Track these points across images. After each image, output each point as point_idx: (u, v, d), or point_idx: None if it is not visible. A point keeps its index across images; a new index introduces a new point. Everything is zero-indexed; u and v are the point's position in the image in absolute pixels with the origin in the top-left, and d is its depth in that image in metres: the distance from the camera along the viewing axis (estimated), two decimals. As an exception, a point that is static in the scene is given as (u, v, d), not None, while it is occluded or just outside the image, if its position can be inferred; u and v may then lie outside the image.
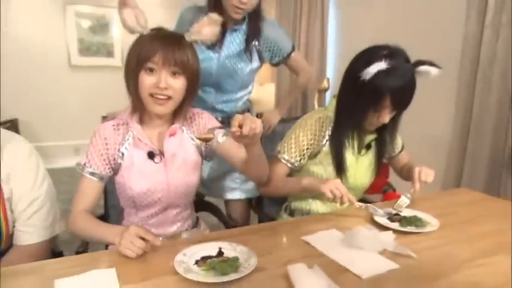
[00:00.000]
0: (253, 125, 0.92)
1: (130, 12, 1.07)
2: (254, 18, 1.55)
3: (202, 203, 1.62)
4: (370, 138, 1.36)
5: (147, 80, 1.05)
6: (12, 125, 1.34)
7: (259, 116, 1.83)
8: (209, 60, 1.55)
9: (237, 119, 0.93)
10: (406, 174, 1.44)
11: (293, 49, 1.70)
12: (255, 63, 1.63)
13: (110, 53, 4.21)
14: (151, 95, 1.07)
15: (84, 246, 1.23)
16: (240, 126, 0.93)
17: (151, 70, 1.05)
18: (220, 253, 0.96)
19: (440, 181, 2.43)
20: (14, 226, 1.08)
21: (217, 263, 0.89)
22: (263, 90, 4.51)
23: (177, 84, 1.07)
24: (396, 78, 1.14)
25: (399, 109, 1.24)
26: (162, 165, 1.15)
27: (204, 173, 1.65)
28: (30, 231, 1.08)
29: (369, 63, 1.14)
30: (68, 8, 4.15)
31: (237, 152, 1.19)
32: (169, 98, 1.08)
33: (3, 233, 1.06)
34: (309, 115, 1.38)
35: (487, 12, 2.12)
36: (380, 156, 1.40)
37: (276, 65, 1.74)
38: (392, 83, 1.14)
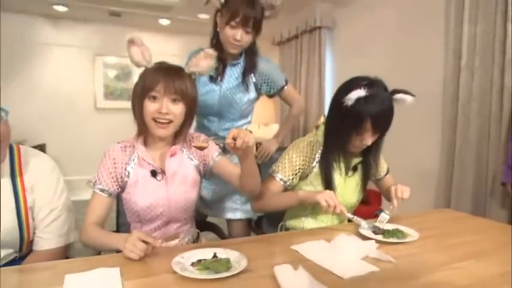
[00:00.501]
0: (246, 139, 0.97)
1: (138, 49, 1.14)
2: (250, 54, 1.63)
3: (205, 223, 1.63)
4: (356, 160, 1.39)
5: (150, 107, 1.11)
6: (41, 149, 1.41)
7: (258, 145, 1.87)
8: (212, 92, 1.62)
9: (232, 132, 0.98)
10: (387, 194, 1.45)
11: (286, 83, 1.75)
12: (252, 94, 1.68)
13: (131, 97, 4.39)
14: (154, 120, 1.12)
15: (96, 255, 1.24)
16: (234, 139, 0.97)
17: (154, 98, 1.10)
18: (214, 257, 0.97)
19: (431, 208, 2.42)
20: (34, 233, 1.11)
21: (210, 262, 0.91)
22: (268, 130, 4.59)
23: (177, 110, 1.12)
24: (375, 104, 1.19)
25: (380, 132, 1.27)
26: (164, 182, 1.19)
27: (208, 195, 1.67)
28: (47, 238, 1.11)
29: (350, 91, 1.19)
30: (97, 58, 4.41)
31: (232, 168, 1.24)
32: (170, 122, 1.13)
33: (25, 239, 1.09)
34: (301, 139, 1.42)
35: (461, 56, 2.21)
36: (365, 178, 1.42)
37: (271, 96, 1.78)
38: (371, 108, 1.18)
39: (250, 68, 1.64)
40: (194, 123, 1.46)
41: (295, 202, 1.31)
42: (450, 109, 2.32)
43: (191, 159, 1.26)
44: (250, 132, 1.56)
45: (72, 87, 4.38)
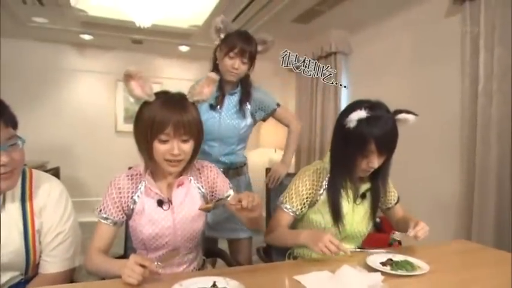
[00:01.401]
0: (251, 198, 0.99)
1: (136, 83, 1.09)
2: (245, 85, 1.82)
3: (213, 250, 1.63)
4: (364, 187, 1.37)
5: (161, 148, 1.09)
6: (55, 172, 1.46)
7: (268, 170, 1.89)
8: (213, 119, 1.77)
9: (236, 197, 1.01)
10: (403, 226, 1.40)
11: (278, 105, 1.90)
12: (249, 120, 1.84)
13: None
14: (165, 160, 1.11)
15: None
16: (240, 201, 0.99)
17: (165, 141, 1.08)
18: (213, 285, 0.95)
19: (451, 239, 2.30)
20: (40, 256, 1.13)
21: (208, 291, 0.89)
22: (281, 155, 4.58)
23: (187, 148, 1.12)
24: (377, 125, 1.18)
25: (385, 154, 1.24)
26: (170, 212, 1.19)
27: (209, 217, 1.66)
28: (52, 261, 1.12)
29: (351, 113, 1.20)
30: (119, 84, 4.58)
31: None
32: (181, 160, 1.13)
33: (31, 262, 1.11)
34: (307, 167, 1.41)
35: (478, 81, 2.16)
36: (375, 205, 1.39)
37: (264, 119, 1.93)
38: (374, 129, 1.18)
39: (246, 96, 1.81)
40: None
41: (298, 245, 1.27)
42: (468, 135, 2.25)
43: (199, 188, 1.26)
44: (268, 170, 1.64)
45: (95, 111, 4.56)
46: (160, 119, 1.06)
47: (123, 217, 1.20)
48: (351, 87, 3.60)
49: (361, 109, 1.18)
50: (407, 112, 1.25)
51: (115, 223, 1.18)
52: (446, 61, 2.49)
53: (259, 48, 1.78)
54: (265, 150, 4.65)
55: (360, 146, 1.21)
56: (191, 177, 1.26)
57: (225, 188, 1.30)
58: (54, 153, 4.16)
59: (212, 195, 1.29)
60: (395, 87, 2.92)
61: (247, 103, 1.81)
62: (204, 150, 1.76)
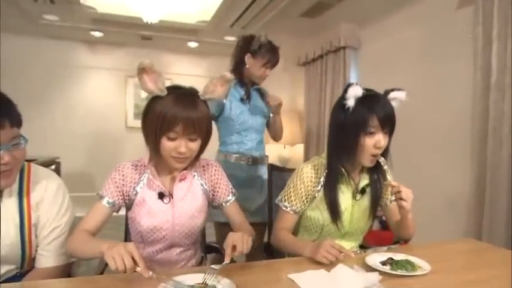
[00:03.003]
0: (245, 250, 0.98)
1: (149, 77, 1.09)
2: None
3: (212, 246, 1.63)
4: (363, 182, 1.33)
5: (168, 145, 1.08)
6: (56, 167, 1.48)
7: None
8: (245, 112, 1.98)
9: (229, 245, 0.98)
10: (396, 227, 1.36)
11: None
12: (268, 110, 2.09)
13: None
14: (172, 156, 1.11)
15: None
16: (234, 248, 0.97)
17: (173, 138, 1.08)
18: (203, 283, 0.93)
19: (461, 237, 2.24)
20: (36, 250, 1.13)
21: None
22: (293, 150, 4.57)
23: (194, 147, 1.12)
24: (376, 100, 1.21)
25: (387, 130, 1.22)
26: (170, 205, 1.18)
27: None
28: (48, 256, 1.12)
29: (345, 93, 1.21)
30: (129, 80, 4.61)
31: (235, 218, 1.28)
32: (187, 157, 1.13)
33: (27, 255, 1.11)
34: (305, 163, 1.38)
35: (491, 74, 2.08)
36: (375, 201, 1.34)
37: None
38: (374, 104, 1.19)
39: (263, 91, 2.07)
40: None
41: (303, 255, 1.19)
42: (480, 130, 2.17)
43: (202, 184, 1.26)
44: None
45: (105, 108, 4.60)
46: (170, 116, 1.05)
47: (121, 202, 1.18)
48: (360, 82, 3.51)
49: (355, 86, 1.20)
50: (398, 90, 1.26)
51: (112, 205, 1.16)
52: (458, 55, 2.41)
53: None
54: (275, 146, 4.62)
55: (362, 124, 1.19)
56: (195, 173, 1.25)
57: (227, 192, 1.29)
58: (64, 149, 4.23)
59: (213, 195, 1.28)
60: (405, 82, 2.80)
61: (263, 97, 2.06)
62: (238, 140, 1.98)
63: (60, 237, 1.14)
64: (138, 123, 4.95)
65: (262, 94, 2.06)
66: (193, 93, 1.14)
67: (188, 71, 4.78)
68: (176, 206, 1.18)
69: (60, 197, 1.16)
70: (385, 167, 1.24)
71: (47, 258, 1.12)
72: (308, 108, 4.14)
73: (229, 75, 1.19)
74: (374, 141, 1.20)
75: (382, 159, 1.24)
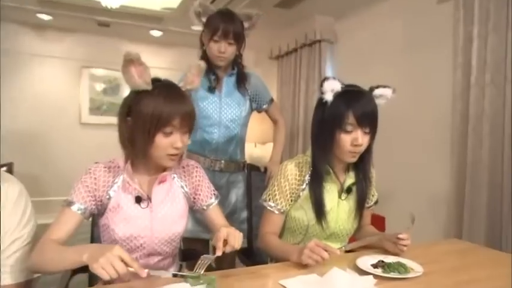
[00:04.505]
0: (236, 245, 1.01)
1: (136, 70, 1.06)
2: (239, 65, 1.90)
3: (192, 252, 1.58)
4: (349, 181, 1.37)
5: (164, 142, 1.08)
6: (8, 169, 1.40)
7: (265, 170, 1.99)
8: (214, 103, 1.81)
9: (221, 238, 1.00)
10: (364, 235, 1.41)
11: (272, 100, 2.03)
12: (248, 103, 1.92)
13: (120, 119, 4.39)
14: (167, 154, 1.10)
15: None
16: (225, 241, 1.00)
17: (169, 134, 1.08)
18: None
19: (441, 237, 2.38)
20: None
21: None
22: (265, 149, 4.57)
23: (187, 140, 1.12)
24: (354, 95, 1.23)
25: (367, 128, 1.24)
26: (148, 210, 1.15)
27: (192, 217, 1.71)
28: (7, 272, 1.04)
29: (321, 87, 1.24)
30: (84, 70, 4.42)
31: (218, 222, 1.25)
32: (181, 153, 1.14)
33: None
34: (288, 160, 1.40)
35: (471, 72, 2.19)
36: (361, 201, 1.38)
37: (260, 111, 2.03)
38: (351, 100, 1.22)
39: (242, 77, 1.89)
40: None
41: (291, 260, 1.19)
42: (460, 128, 2.29)
43: (182, 187, 1.25)
44: (265, 169, 1.77)
45: (56, 101, 4.38)
46: (168, 111, 1.05)
47: (93, 207, 1.13)
48: (336, 76, 3.58)
49: (333, 80, 1.24)
50: (384, 86, 1.29)
51: (84, 211, 1.11)
52: (438, 50, 2.51)
53: (245, 25, 1.81)
54: (246, 145, 4.62)
55: (338, 120, 1.22)
56: (174, 175, 1.24)
57: (209, 194, 1.29)
58: (9, 147, 3.96)
59: (195, 199, 1.27)
60: (384, 77, 2.78)
61: (245, 85, 1.89)
62: (202, 137, 1.82)
63: (20, 250, 1.06)
64: (94, 119, 4.84)
65: (241, 80, 1.88)
66: (176, 85, 1.15)
67: (150, 63, 4.49)
68: (155, 211, 1.16)
69: (22, 204, 1.09)
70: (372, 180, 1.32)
71: (6, 274, 1.04)
72: (281, 104, 4.15)
73: (203, 64, 1.23)
74: (351, 138, 1.24)
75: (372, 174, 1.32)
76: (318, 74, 3.65)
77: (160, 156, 1.10)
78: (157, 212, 1.16)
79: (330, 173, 1.32)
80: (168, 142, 1.08)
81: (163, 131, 1.06)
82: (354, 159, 1.29)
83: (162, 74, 1.15)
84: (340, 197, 1.36)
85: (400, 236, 1.21)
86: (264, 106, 2.00)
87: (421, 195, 2.61)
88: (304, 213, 1.34)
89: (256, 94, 1.94)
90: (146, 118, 1.05)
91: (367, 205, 1.46)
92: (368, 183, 1.38)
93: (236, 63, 1.88)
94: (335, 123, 1.23)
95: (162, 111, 1.05)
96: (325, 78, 1.25)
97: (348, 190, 1.36)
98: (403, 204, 2.67)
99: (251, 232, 1.80)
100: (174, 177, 1.23)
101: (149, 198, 1.16)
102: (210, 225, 1.29)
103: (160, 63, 4.64)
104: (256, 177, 1.91)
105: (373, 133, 1.27)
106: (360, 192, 1.37)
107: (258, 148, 4.54)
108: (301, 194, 1.35)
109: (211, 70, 1.82)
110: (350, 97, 1.23)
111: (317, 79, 3.66)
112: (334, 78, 1.25)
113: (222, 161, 1.86)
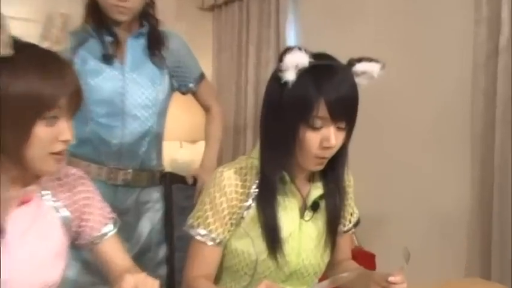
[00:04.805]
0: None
1: None
2: (151, 20, 1.87)
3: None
4: (315, 193, 1.39)
5: (46, 134, 1.08)
6: None
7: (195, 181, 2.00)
8: (113, 80, 1.78)
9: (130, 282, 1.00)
10: (342, 270, 1.43)
11: (202, 76, 2.05)
12: (167, 78, 1.91)
13: None
14: (52, 153, 1.11)
15: None
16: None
17: (54, 118, 1.08)
18: None
19: (459, 275, 2.43)
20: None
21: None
22: (195, 150, 4.46)
23: (73, 130, 1.14)
24: (325, 73, 1.24)
25: (342, 123, 1.27)
26: (2, 248, 1.11)
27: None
28: None
29: (281, 61, 1.22)
30: None
31: (117, 260, 1.27)
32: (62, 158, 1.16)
33: None
34: (225, 166, 1.42)
35: (500, 31, 2.22)
36: (333, 222, 1.42)
37: (185, 92, 2.04)
38: (322, 79, 1.22)
39: (156, 38, 1.87)
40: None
41: None
42: (484, 115, 2.32)
43: (56, 209, 1.24)
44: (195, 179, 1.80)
45: None
46: (51, 89, 1.06)
47: None
48: (302, 39, 3.62)
49: (300, 51, 1.21)
50: (369, 60, 1.30)
51: None
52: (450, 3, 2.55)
53: None
54: (166, 145, 4.49)
55: (303, 112, 1.23)
56: (45, 191, 1.22)
57: (103, 219, 1.31)
58: None
59: (80, 227, 1.27)
60: (370, 42, 2.94)
61: (161, 51, 1.86)
62: (96, 135, 1.80)
63: None
64: None
65: (155, 43, 1.87)
66: (50, 50, 1.12)
67: (7, 12, 4.36)
68: (12, 250, 1.13)
69: None
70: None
71: None
72: (218, 81, 4.18)
73: (65, 13, 1.18)
74: (320, 137, 1.25)
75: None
76: (274, 34, 3.68)
77: (40, 157, 1.09)
78: (16, 251, 1.14)
79: (287, 183, 1.35)
80: (53, 133, 1.08)
81: (45, 116, 1.06)
82: (321, 167, 1.33)
83: (22, 28, 1.16)
84: (302, 216, 1.39)
85: (391, 279, 1.22)
86: (191, 85, 2.01)
87: (427, 217, 2.64)
88: (250, 243, 1.36)
89: (178, 66, 1.95)
90: (17, 101, 1.04)
91: (343, 228, 1.51)
92: (342, 196, 1.42)
93: (146, 16, 1.87)
94: (298, 116, 1.25)
95: (41, 88, 1.05)
96: (287, 49, 1.24)
97: (314, 207, 1.39)
98: (402, 232, 2.71)
99: (173, 277, 1.84)
100: (43, 196, 1.21)
101: (3, 230, 1.12)
102: (105, 268, 1.29)
103: (19, 13, 4.38)
104: (181, 193, 1.95)
105: (350, 128, 1.30)
106: (332, 208, 1.41)
107: (184, 149, 4.45)
108: (245, 214, 1.37)
109: (106, 27, 1.79)
110: (320, 75, 1.24)
111: (273, 42, 3.69)
112: (300, 48, 1.23)
113: (129, 171, 1.87)
